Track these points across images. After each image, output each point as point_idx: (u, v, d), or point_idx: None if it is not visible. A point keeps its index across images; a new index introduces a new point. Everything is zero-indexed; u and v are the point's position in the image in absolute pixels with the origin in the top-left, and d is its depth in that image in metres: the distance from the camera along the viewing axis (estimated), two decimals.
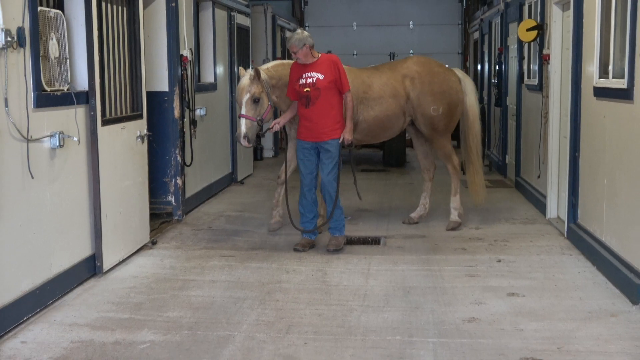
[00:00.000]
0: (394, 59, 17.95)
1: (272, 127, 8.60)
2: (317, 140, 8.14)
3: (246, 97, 8.19)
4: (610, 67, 7.31)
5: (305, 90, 8.03)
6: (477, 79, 19.15)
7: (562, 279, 7.23)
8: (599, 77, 7.66)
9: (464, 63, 22.54)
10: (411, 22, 22.90)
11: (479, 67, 18.77)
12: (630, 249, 6.70)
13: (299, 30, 8.21)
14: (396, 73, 9.34)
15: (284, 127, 8.97)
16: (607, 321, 5.98)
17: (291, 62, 8.69)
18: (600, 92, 7.59)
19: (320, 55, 8.21)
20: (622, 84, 6.82)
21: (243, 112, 8.24)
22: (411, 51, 22.90)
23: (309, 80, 8.01)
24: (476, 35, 19.47)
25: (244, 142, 8.31)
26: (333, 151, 8.13)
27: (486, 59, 17.09)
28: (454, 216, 9.63)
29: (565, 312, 6.22)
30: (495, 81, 14.91)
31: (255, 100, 8.21)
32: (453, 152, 9.77)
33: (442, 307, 6.38)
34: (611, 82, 7.24)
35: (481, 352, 5.36)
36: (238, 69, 9.27)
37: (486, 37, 17.04)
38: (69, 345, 5.55)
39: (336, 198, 8.18)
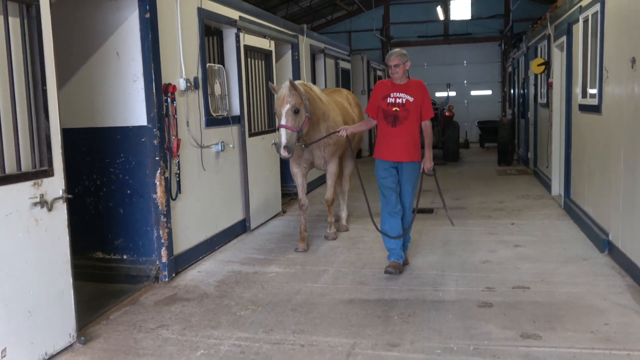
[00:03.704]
0: (449, 87, 17.74)
1: (340, 132, 6.16)
2: (397, 159, 5.79)
3: (287, 107, 6.07)
4: (588, 90, 7.26)
5: (394, 109, 5.75)
6: (511, 100, 18.79)
7: (555, 235, 7.18)
8: (582, 97, 7.58)
9: (503, 89, 22.07)
10: (465, 61, 22.56)
11: (512, 91, 18.38)
12: (600, 214, 6.65)
13: (398, 49, 5.97)
14: (344, 99, 7.83)
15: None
16: (579, 264, 5.98)
17: (311, 84, 7.00)
18: (583, 108, 7.51)
19: (409, 79, 5.92)
20: (594, 102, 6.77)
21: (283, 122, 6.05)
22: (465, 81, 22.65)
23: (399, 100, 5.75)
24: (510, 69, 19.03)
25: (283, 153, 6.01)
26: (414, 174, 5.86)
27: (516, 86, 16.72)
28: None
29: (552, 257, 6.24)
30: (521, 101, 14.64)
31: (296, 111, 6.10)
32: None
33: (467, 253, 6.49)
34: (588, 101, 7.17)
35: (488, 281, 5.50)
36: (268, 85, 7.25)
37: (516, 70, 16.65)
38: (226, 274, 6.02)
39: (413, 218, 5.98)
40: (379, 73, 19.33)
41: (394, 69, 5.77)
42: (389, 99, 5.81)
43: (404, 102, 5.77)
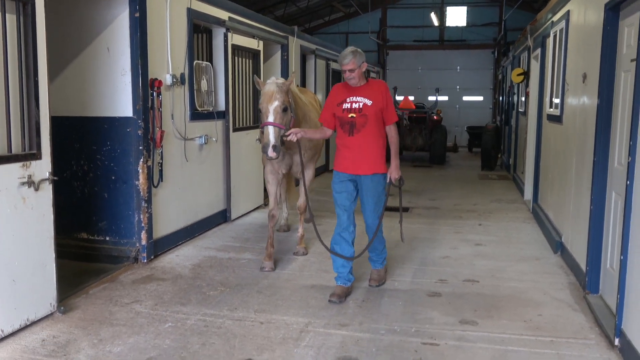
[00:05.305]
0: (438, 92, 18.14)
1: (289, 135, 5.15)
2: (357, 172, 5.13)
3: (275, 104, 5.29)
4: (554, 101, 7.69)
5: (349, 116, 5.04)
6: (500, 107, 19.23)
7: (516, 237, 7.58)
8: (549, 107, 8.02)
9: (494, 95, 22.52)
10: (458, 67, 23.01)
11: (500, 98, 18.84)
12: (557, 218, 7.08)
13: (352, 47, 5.08)
14: (313, 100, 7.30)
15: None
16: (531, 262, 6.39)
17: (284, 79, 6.05)
18: (550, 117, 7.93)
19: (369, 79, 5.20)
20: (557, 112, 7.21)
21: (271, 120, 5.26)
22: (458, 87, 23.08)
23: (355, 106, 5.04)
24: (500, 77, 19.48)
25: (271, 154, 5.21)
26: (377, 188, 5.16)
27: (503, 93, 17.18)
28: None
29: (508, 256, 6.63)
30: (506, 108, 15.07)
31: (285, 109, 5.35)
32: None
33: (430, 249, 6.89)
34: (553, 111, 7.61)
35: (442, 274, 5.91)
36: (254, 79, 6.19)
37: (505, 78, 17.10)
38: (202, 258, 6.42)
39: (377, 229, 5.31)
40: (373, 75, 19.76)
41: (348, 74, 5.02)
42: (344, 104, 5.11)
43: (360, 106, 5.06)
